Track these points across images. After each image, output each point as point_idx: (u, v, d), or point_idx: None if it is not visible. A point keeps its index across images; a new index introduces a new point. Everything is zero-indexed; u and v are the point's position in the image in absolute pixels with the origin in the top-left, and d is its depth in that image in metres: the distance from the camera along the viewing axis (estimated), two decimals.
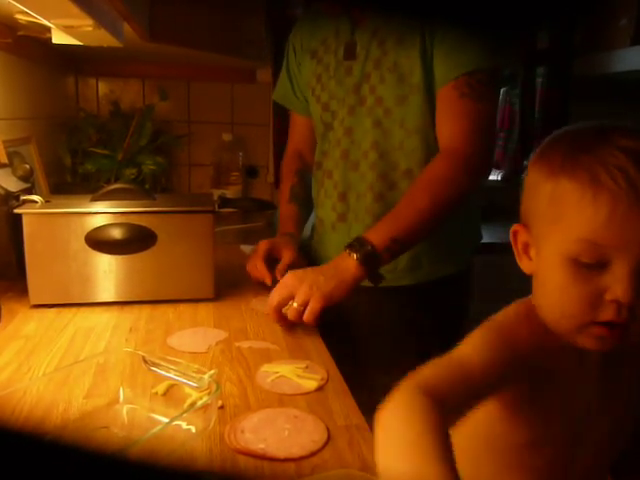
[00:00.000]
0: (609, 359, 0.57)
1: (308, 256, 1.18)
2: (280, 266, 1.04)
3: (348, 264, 0.90)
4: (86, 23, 0.78)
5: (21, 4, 0.73)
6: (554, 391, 0.57)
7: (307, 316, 0.86)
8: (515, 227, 0.57)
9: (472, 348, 0.53)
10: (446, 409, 0.46)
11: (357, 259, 0.90)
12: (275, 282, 0.96)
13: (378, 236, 0.91)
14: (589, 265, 0.49)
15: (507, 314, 0.58)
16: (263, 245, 1.08)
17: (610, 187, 0.47)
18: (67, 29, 0.86)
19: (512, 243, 0.58)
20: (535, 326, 0.56)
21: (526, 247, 0.57)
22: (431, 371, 0.50)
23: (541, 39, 2.05)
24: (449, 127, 0.97)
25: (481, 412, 0.53)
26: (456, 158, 0.96)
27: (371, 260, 0.90)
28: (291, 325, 0.90)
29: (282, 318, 0.90)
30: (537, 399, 0.56)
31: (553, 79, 2.08)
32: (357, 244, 0.91)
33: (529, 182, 0.55)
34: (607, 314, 0.49)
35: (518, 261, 0.58)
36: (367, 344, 1.10)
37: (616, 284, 0.48)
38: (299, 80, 1.19)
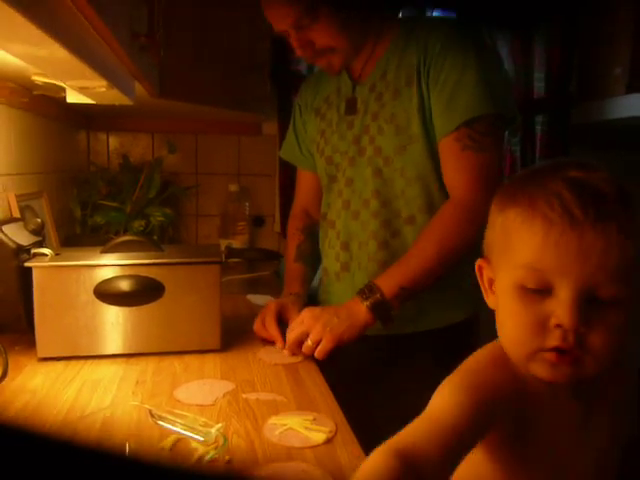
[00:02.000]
0: (587, 392, 0.56)
1: (316, 305, 1.19)
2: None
3: (359, 309, 0.96)
4: (100, 84, 0.82)
5: (38, 67, 0.76)
6: (535, 432, 0.55)
7: (318, 353, 0.95)
8: (479, 262, 0.58)
9: (442, 400, 0.52)
10: (423, 469, 0.45)
11: (367, 306, 0.95)
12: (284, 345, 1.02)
13: (388, 284, 0.96)
14: (535, 291, 0.49)
15: (478, 359, 0.57)
16: (272, 307, 1.08)
17: (544, 212, 0.48)
18: (81, 90, 0.89)
19: (479, 279, 0.59)
20: (507, 368, 0.55)
21: (491, 282, 0.57)
22: (407, 431, 0.49)
23: (538, 88, 2.11)
24: (454, 178, 0.99)
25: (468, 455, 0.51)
26: (462, 208, 0.98)
27: (380, 307, 0.95)
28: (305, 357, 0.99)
29: (296, 352, 0.99)
30: (519, 442, 0.55)
31: (552, 127, 2.12)
32: (367, 291, 0.96)
33: (490, 220, 0.57)
34: (553, 340, 0.49)
35: (485, 298, 0.58)
36: (375, 393, 1.09)
37: (559, 309, 0.48)
38: (305, 138, 1.23)
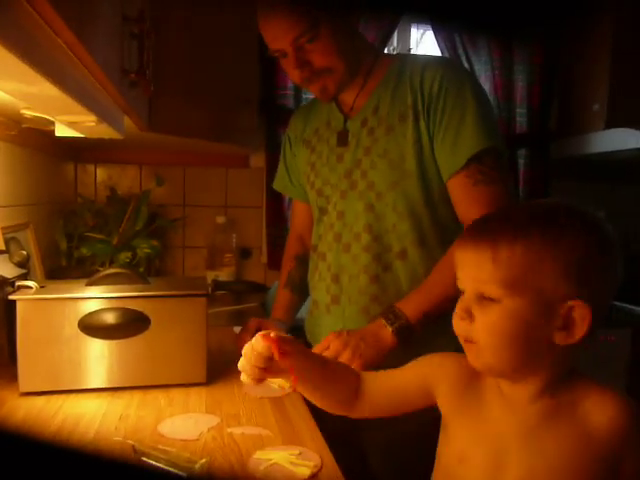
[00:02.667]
0: (541, 409, 0.61)
1: (304, 337, 1.20)
2: None
3: (385, 334, 0.97)
4: (89, 119, 0.83)
5: (28, 103, 0.77)
6: (479, 416, 0.65)
7: None
8: None
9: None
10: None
11: (392, 331, 0.97)
12: None
13: (412, 310, 0.98)
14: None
15: (449, 354, 0.71)
16: (252, 323, 1.17)
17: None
18: (70, 124, 0.91)
19: None
20: (465, 363, 0.64)
21: None
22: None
23: (520, 123, 2.16)
24: (469, 212, 1.00)
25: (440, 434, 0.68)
26: None
27: (406, 332, 0.97)
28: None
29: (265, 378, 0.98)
30: (465, 418, 0.65)
31: (533, 160, 2.17)
32: (392, 316, 0.98)
33: None
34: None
35: None
36: (362, 426, 1.08)
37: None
38: (295, 169, 1.25)
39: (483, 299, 0.59)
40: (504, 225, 0.59)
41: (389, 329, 0.96)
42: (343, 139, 1.11)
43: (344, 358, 0.94)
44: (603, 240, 0.58)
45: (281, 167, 1.30)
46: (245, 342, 1.09)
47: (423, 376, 0.70)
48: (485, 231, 0.60)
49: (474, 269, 0.60)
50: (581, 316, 0.56)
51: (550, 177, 2.18)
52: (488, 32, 2.08)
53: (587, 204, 1.96)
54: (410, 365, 0.73)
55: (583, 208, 0.60)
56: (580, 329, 0.56)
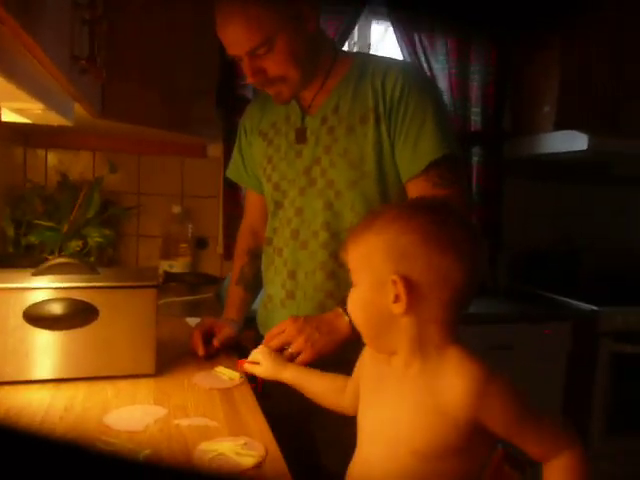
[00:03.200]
0: (411, 373, 0.71)
1: (256, 329, 1.21)
2: (219, 336, 1.15)
3: (341, 323, 0.99)
4: (36, 107, 0.81)
5: None
6: (377, 389, 0.76)
7: (297, 364, 0.98)
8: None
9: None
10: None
11: (349, 321, 0.97)
12: (206, 354, 1.11)
13: None
14: None
15: None
16: (206, 321, 1.18)
17: None
18: (17, 110, 0.88)
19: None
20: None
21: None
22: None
23: (474, 122, 2.22)
24: None
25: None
26: None
27: None
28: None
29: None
30: (369, 393, 0.77)
31: (487, 158, 2.24)
32: None
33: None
34: None
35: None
36: (319, 424, 1.10)
37: None
38: (250, 159, 1.24)
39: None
40: (356, 228, 0.74)
41: (346, 319, 0.98)
42: (301, 136, 1.12)
43: (297, 345, 0.98)
44: (429, 232, 0.67)
45: (236, 156, 1.29)
46: (197, 340, 1.12)
47: (356, 373, 0.83)
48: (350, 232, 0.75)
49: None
50: (404, 288, 0.66)
51: (503, 175, 2.26)
52: (444, 31, 2.12)
53: (535, 202, 2.04)
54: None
55: (429, 209, 0.71)
56: (404, 298, 0.67)
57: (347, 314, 0.99)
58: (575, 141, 1.99)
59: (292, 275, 1.11)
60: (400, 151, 1.05)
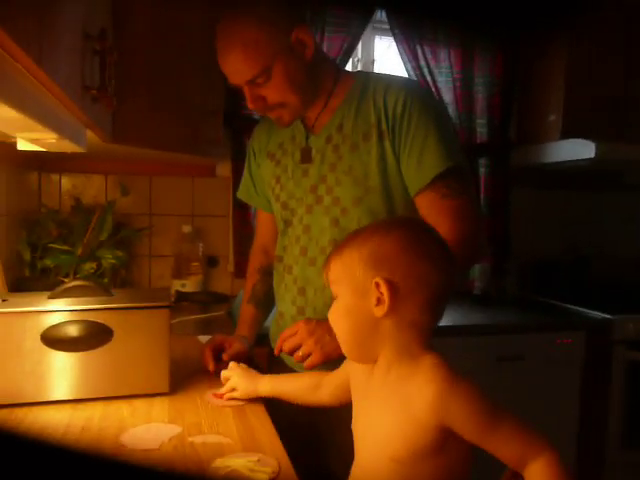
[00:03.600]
0: (390, 379, 0.74)
1: (269, 345, 1.23)
2: (229, 351, 1.17)
3: None
4: (50, 136, 0.85)
5: None
6: (364, 395, 0.79)
7: (307, 366, 1.01)
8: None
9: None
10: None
11: None
12: (217, 370, 1.11)
13: None
14: None
15: None
16: (217, 338, 1.20)
17: None
18: (32, 140, 0.92)
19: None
20: None
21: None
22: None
23: (480, 133, 2.24)
24: (438, 222, 1.01)
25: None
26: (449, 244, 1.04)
27: None
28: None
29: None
30: (358, 399, 0.81)
31: (494, 169, 2.25)
32: None
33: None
34: None
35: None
36: (327, 433, 1.11)
37: None
38: (259, 180, 1.28)
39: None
40: (338, 246, 0.78)
41: None
42: (306, 156, 1.15)
43: (307, 347, 1.01)
44: (406, 242, 0.72)
45: (246, 177, 1.32)
46: (207, 356, 1.14)
47: (345, 371, 0.88)
48: (332, 251, 0.79)
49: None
50: (386, 289, 0.70)
51: (510, 185, 2.27)
52: (448, 38, 2.14)
53: (543, 211, 2.05)
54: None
55: (404, 224, 0.77)
56: (386, 300, 0.70)
57: None
58: (582, 149, 2.00)
59: (302, 292, 1.13)
60: (405, 166, 1.07)
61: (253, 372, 1.02)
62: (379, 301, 0.71)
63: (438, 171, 1.04)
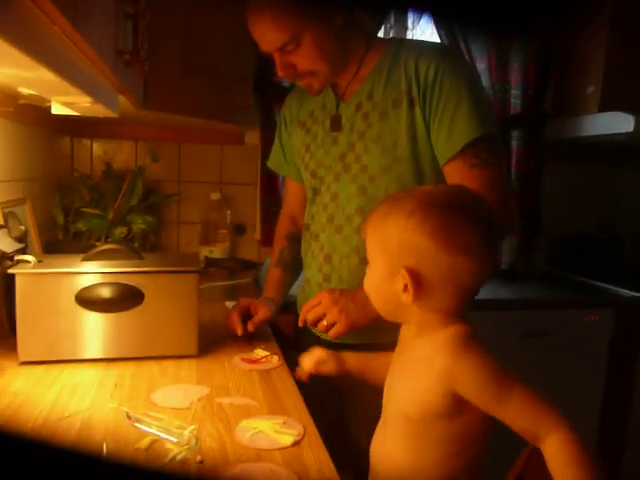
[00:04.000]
0: (416, 344, 0.75)
1: (295, 312, 1.24)
2: (255, 319, 1.18)
3: None
4: (84, 100, 0.85)
5: (24, 86, 0.80)
6: (396, 358, 0.80)
7: (331, 335, 1.02)
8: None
9: None
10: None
11: None
12: (245, 334, 1.14)
13: None
14: None
15: None
16: (243, 301, 1.21)
17: None
18: (66, 104, 0.93)
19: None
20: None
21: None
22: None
23: (514, 104, 2.18)
24: None
25: None
26: None
27: None
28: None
29: (252, 359, 1.06)
30: (392, 364, 0.81)
31: (527, 142, 2.19)
32: None
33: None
34: None
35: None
36: (343, 398, 1.13)
37: None
38: (290, 149, 1.28)
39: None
40: (378, 210, 0.76)
41: None
42: (336, 124, 1.14)
43: (331, 315, 1.01)
44: (440, 236, 0.69)
45: (276, 146, 1.32)
46: (235, 321, 1.16)
47: None
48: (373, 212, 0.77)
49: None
50: (411, 281, 0.70)
51: (543, 158, 2.21)
52: (486, 30, 2.07)
53: (577, 186, 1.98)
54: None
55: (443, 208, 0.71)
56: (411, 291, 0.70)
57: None
58: (620, 123, 1.93)
59: (328, 259, 1.14)
60: (436, 133, 1.05)
61: (334, 353, 0.92)
62: (405, 288, 0.71)
63: (469, 139, 1.02)
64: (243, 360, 1.05)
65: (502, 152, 1.11)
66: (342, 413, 1.13)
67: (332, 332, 1.01)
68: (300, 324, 1.08)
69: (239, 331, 1.15)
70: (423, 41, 1.14)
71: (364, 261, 1.10)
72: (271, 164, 1.37)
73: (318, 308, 1.03)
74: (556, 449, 0.65)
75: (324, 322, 1.02)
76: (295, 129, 1.24)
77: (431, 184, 1.07)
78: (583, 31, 2.14)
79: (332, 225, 1.13)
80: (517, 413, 0.66)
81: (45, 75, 0.64)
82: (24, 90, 1.05)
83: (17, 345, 0.96)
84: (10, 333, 0.98)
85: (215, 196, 1.93)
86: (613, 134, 1.97)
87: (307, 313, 1.05)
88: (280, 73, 1.08)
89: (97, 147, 1.93)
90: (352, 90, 1.13)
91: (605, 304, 1.85)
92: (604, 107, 2.04)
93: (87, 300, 0.98)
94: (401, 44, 1.12)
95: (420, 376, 0.72)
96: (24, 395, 0.85)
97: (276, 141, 1.33)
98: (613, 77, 2.04)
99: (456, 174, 1.04)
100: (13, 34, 0.51)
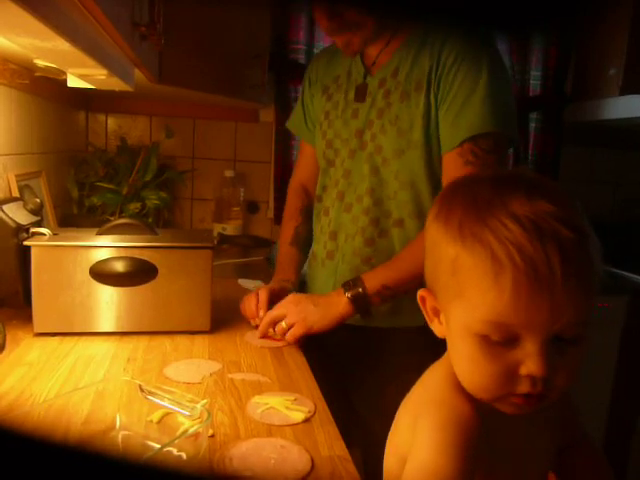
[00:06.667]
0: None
1: (303, 287, 1.23)
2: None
3: (339, 300, 1.01)
4: (100, 72, 0.85)
5: (41, 57, 0.79)
6: (495, 444, 0.54)
7: (288, 337, 1.02)
8: (421, 293, 0.57)
9: (434, 459, 0.50)
10: None
11: (348, 297, 1.00)
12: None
13: (372, 280, 1.01)
14: (499, 342, 0.49)
15: (441, 388, 0.55)
16: (263, 295, 1.09)
17: (510, 268, 0.47)
18: (82, 76, 0.92)
19: (421, 307, 0.58)
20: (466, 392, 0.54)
21: (435, 311, 0.56)
22: None
23: (533, 86, 2.14)
24: None
25: None
26: None
27: (360, 301, 1.00)
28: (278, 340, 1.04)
29: (267, 333, 1.05)
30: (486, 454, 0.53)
31: (546, 124, 2.15)
32: (352, 283, 1.01)
33: (430, 241, 0.55)
34: (523, 387, 0.49)
35: (429, 324, 0.57)
36: (354, 379, 1.13)
37: (529, 360, 0.48)
38: (311, 112, 1.23)
39: (559, 340, 0.51)
40: (577, 248, 0.52)
41: (345, 296, 1.00)
42: (361, 94, 1.10)
43: (290, 316, 1.01)
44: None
45: (298, 107, 1.27)
46: (249, 307, 1.09)
47: None
48: (565, 265, 0.48)
49: (554, 318, 0.50)
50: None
51: (562, 142, 2.17)
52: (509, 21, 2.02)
53: (596, 170, 1.93)
54: None
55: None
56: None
57: (347, 293, 1.00)
58: None
59: (333, 236, 1.13)
60: (442, 120, 1.01)
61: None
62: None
63: (471, 134, 0.97)
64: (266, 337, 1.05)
65: (506, 156, 1.05)
66: (349, 391, 1.13)
67: (288, 335, 1.02)
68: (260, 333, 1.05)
69: (256, 321, 1.09)
70: (457, 21, 1.07)
71: (369, 243, 1.10)
72: (290, 125, 1.31)
73: (279, 310, 1.03)
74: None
75: (282, 324, 1.02)
76: (317, 92, 1.20)
77: (438, 176, 1.04)
78: (606, 12, 2.08)
79: (342, 203, 1.11)
80: None
81: (61, 45, 0.63)
82: (40, 62, 1.05)
83: (32, 316, 0.97)
84: (25, 304, 0.99)
85: (229, 173, 1.93)
86: (634, 118, 1.93)
87: (267, 316, 1.04)
88: (325, 21, 1.00)
89: (112, 122, 1.92)
90: (380, 62, 1.08)
91: (619, 290, 1.83)
92: (626, 90, 1.99)
93: (101, 274, 0.98)
94: (432, 21, 1.06)
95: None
96: (39, 366, 0.86)
97: (298, 102, 1.28)
98: (636, 59, 1.99)
99: (450, 167, 1.00)
100: (31, 3, 0.50)
